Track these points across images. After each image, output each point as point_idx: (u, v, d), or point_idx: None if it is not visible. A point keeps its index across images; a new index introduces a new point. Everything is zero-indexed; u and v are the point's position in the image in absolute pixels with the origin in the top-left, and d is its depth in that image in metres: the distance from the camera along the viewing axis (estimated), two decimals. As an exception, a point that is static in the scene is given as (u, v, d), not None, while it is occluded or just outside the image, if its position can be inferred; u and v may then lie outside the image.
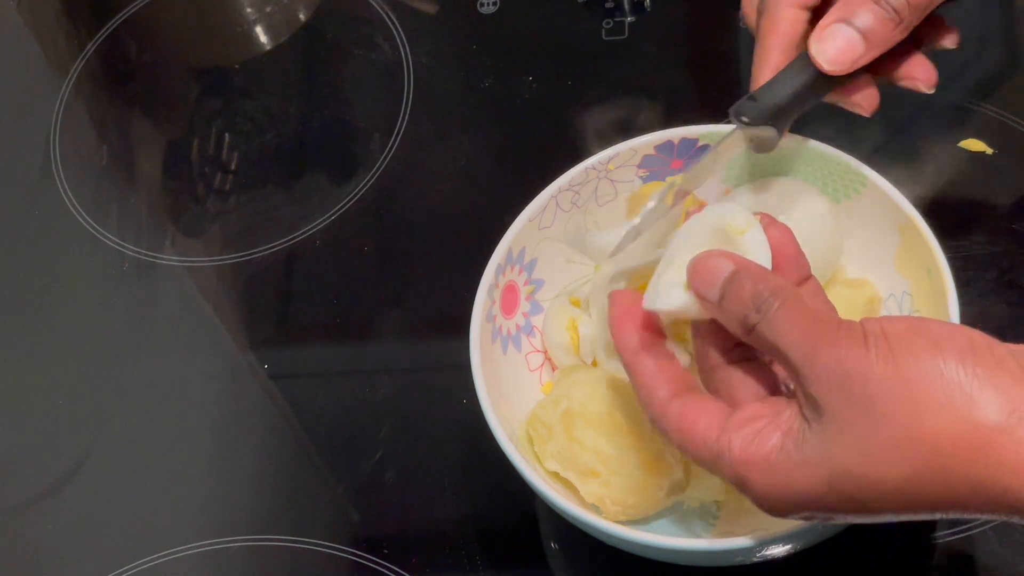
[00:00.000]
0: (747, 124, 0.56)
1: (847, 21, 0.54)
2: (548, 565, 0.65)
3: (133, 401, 0.75)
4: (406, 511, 0.68)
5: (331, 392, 0.74)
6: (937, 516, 0.43)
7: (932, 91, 0.58)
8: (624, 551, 0.56)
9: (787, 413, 0.45)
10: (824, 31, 0.55)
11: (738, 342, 0.49)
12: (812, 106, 0.57)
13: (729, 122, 0.58)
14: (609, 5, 0.85)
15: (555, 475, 0.59)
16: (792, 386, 0.47)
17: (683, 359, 0.50)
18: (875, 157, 0.62)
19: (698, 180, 0.58)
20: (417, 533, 0.67)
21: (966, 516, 0.43)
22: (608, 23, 0.85)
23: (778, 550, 0.54)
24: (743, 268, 0.47)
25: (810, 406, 0.44)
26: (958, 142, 0.73)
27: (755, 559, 0.55)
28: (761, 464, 0.45)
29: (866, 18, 0.54)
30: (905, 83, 0.58)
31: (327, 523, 0.68)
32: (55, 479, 0.73)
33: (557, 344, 0.65)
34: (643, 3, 0.85)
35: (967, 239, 0.69)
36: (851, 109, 0.58)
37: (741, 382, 0.49)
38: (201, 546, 0.68)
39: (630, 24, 0.84)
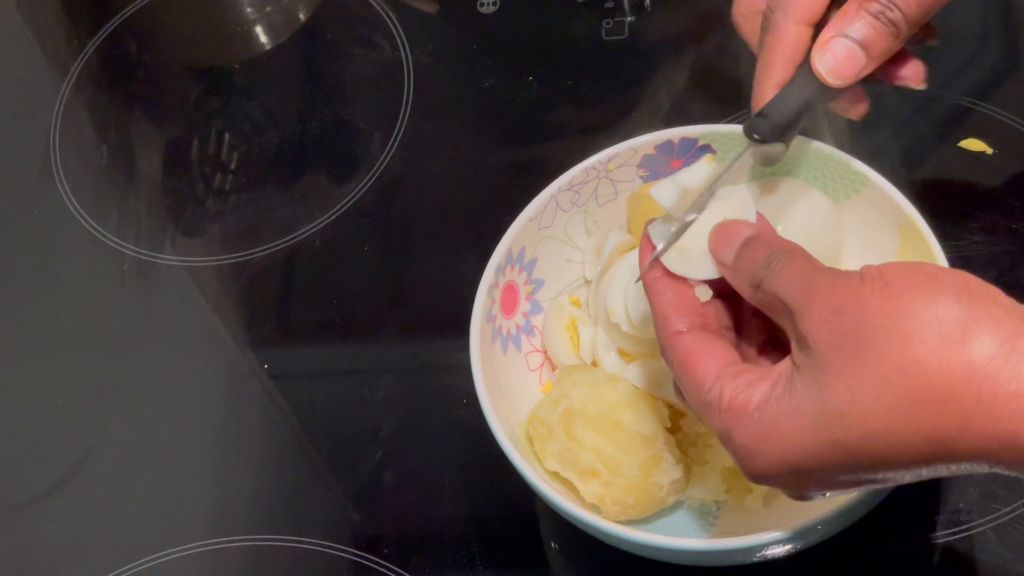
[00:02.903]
0: (759, 142, 0.56)
1: (847, 35, 0.55)
2: (548, 565, 0.65)
3: (133, 401, 0.75)
4: (406, 511, 0.68)
5: (331, 392, 0.74)
6: (923, 473, 0.42)
7: (924, 87, 0.58)
8: (624, 551, 0.56)
9: (780, 367, 0.46)
10: (826, 44, 0.56)
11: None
12: (811, 116, 0.58)
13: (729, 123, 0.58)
14: (609, 5, 0.85)
15: (555, 475, 0.59)
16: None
17: (704, 294, 0.51)
18: (875, 157, 0.62)
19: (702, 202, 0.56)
20: (417, 533, 0.67)
21: (952, 468, 0.42)
22: (608, 23, 0.85)
23: (778, 550, 0.54)
24: (761, 233, 0.50)
25: (802, 348, 0.44)
26: (958, 142, 0.73)
27: (755, 559, 0.55)
28: (748, 414, 0.45)
29: (865, 31, 0.55)
30: (897, 82, 0.58)
31: (327, 523, 0.68)
32: (55, 479, 0.73)
33: (557, 344, 0.65)
34: (643, 3, 0.85)
35: (967, 239, 0.69)
36: (843, 114, 0.59)
37: None
38: (201, 546, 0.68)
39: (630, 24, 0.84)
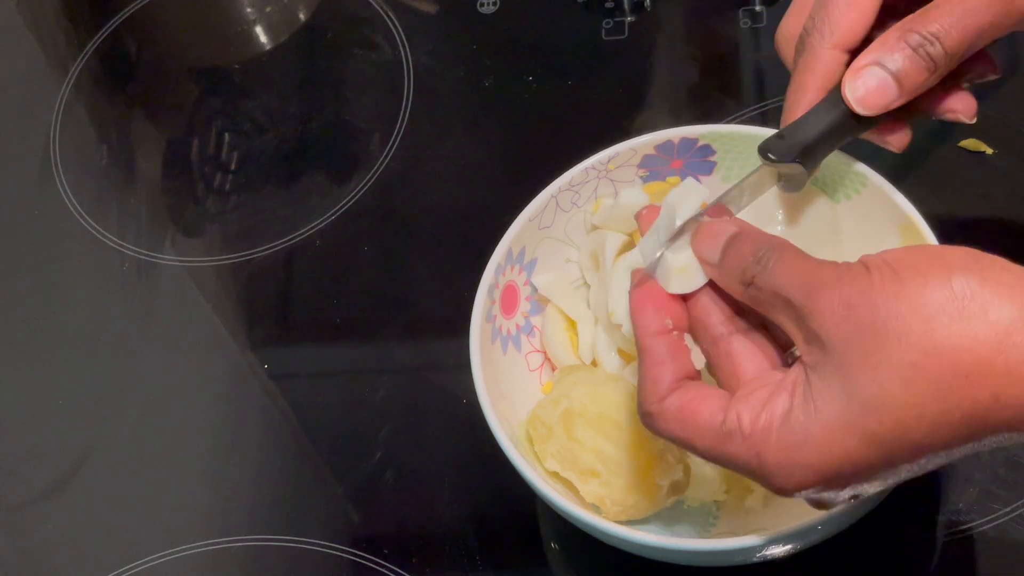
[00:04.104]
0: (774, 161, 0.55)
1: (882, 64, 0.54)
2: (548, 565, 0.65)
3: (133, 401, 0.75)
4: (406, 511, 0.68)
5: (331, 392, 0.74)
6: (957, 453, 0.42)
7: (973, 121, 0.57)
8: (624, 551, 0.56)
9: (792, 375, 0.45)
10: (859, 71, 0.54)
11: (737, 311, 0.49)
12: (841, 144, 0.57)
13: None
14: (609, 5, 0.85)
15: (555, 475, 0.59)
16: (796, 352, 0.46)
17: (700, 360, 0.50)
18: (875, 157, 0.62)
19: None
20: (417, 533, 0.67)
21: (985, 442, 0.42)
22: (608, 23, 0.85)
23: (778, 550, 0.54)
24: (745, 229, 0.49)
25: (815, 348, 0.43)
26: (958, 142, 0.73)
27: (755, 559, 0.55)
28: (775, 431, 0.44)
29: (902, 63, 0.53)
30: (947, 116, 0.57)
31: (327, 523, 0.68)
32: (55, 479, 0.73)
33: (557, 344, 0.65)
34: (643, 3, 0.85)
35: (967, 239, 0.69)
36: (881, 145, 0.58)
37: (743, 353, 0.48)
38: (201, 546, 0.68)
39: (630, 24, 0.84)
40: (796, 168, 0.55)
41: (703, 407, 0.46)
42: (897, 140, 0.57)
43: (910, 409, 0.41)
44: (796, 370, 0.45)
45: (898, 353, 0.41)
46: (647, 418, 0.48)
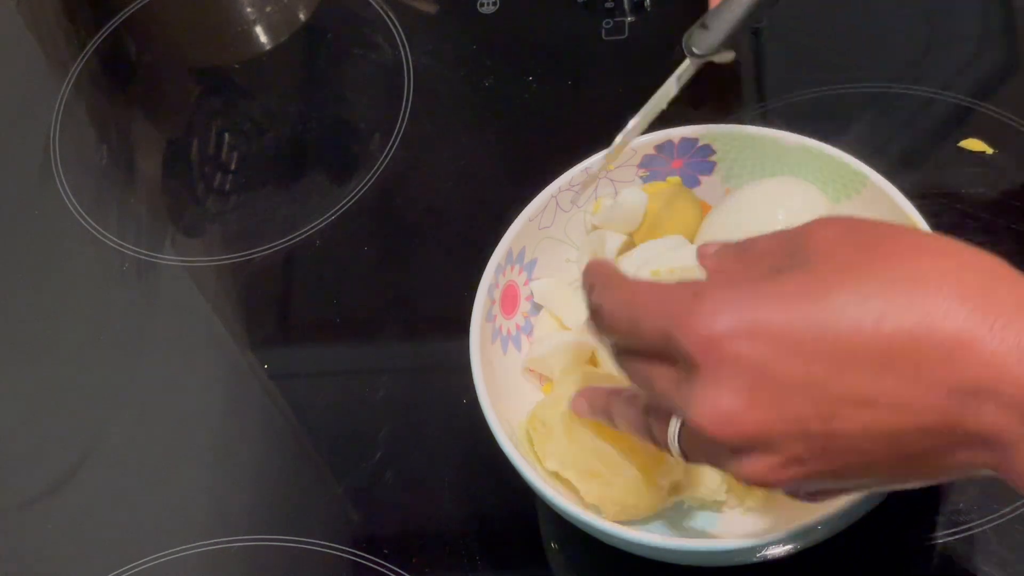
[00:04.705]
0: (699, 56, 0.59)
1: None
2: (548, 565, 0.64)
3: (133, 401, 0.75)
4: (406, 511, 0.68)
5: (331, 392, 0.74)
6: (908, 468, 0.41)
7: None
8: (624, 551, 0.56)
9: None
10: None
11: None
12: (764, 12, 0.59)
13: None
14: (609, 5, 0.85)
15: (555, 475, 0.59)
16: None
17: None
18: (875, 157, 0.62)
19: (653, 113, 0.62)
20: (417, 533, 0.67)
21: (941, 456, 0.41)
22: (608, 23, 0.85)
23: (778, 550, 0.54)
24: None
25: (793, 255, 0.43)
26: (958, 142, 0.73)
27: (755, 559, 0.55)
28: (725, 279, 0.43)
29: None
30: None
31: (327, 523, 0.68)
32: (55, 479, 0.73)
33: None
34: (643, 3, 0.85)
35: (967, 239, 0.69)
36: None
37: None
38: (201, 546, 0.68)
39: (630, 24, 0.84)
40: (728, 55, 0.59)
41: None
42: None
43: (872, 314, 0.39)
44: None
45: (883, 270, 0.40)
46: (599, 289, 0.47)
